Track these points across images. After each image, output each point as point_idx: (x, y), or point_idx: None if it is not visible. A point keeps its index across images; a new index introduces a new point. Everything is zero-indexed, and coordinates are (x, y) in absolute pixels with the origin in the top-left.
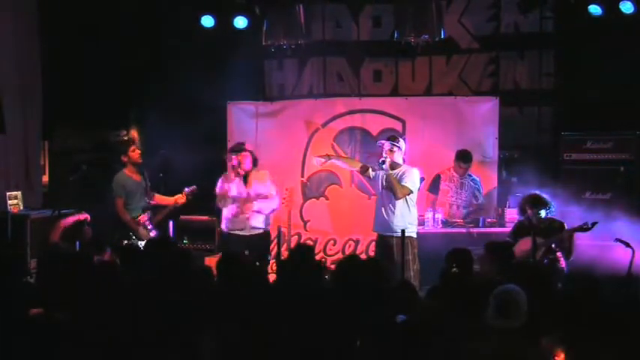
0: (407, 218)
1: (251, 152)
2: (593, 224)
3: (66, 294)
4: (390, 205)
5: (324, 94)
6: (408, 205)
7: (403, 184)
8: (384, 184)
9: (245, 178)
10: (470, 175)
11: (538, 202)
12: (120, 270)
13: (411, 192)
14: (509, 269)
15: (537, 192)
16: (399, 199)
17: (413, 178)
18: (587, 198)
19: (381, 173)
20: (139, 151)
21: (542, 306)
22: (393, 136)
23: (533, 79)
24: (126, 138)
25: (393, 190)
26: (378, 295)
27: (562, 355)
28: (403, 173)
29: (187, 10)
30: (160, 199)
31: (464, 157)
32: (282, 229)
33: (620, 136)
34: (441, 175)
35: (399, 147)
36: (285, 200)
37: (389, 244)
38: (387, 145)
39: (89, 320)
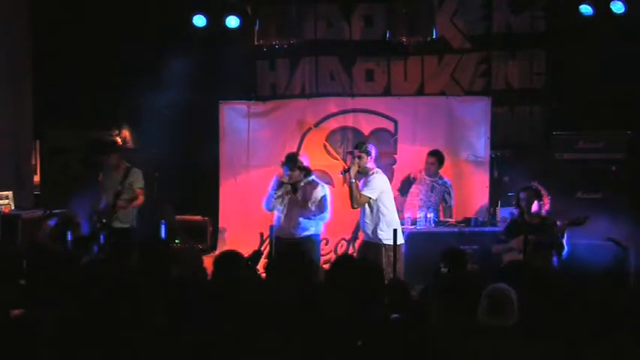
0: (379, 223)
1: (299, 167)
2: (585, 218)
3: (53, 293)
4: (362, 210)
5: (316, 93)
6: (378, 211)
7: (363, 192)
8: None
9: (294, 187)
10: (441, 178)
11: (542, 194)
12: (109, 268)
13: (370, 199)
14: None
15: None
16: (355, 208)
17: (373, 185)
18: (578, 197)
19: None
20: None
21: (536, 304)
22: (360, 143)
23: (524, 78)
24: (118, 138)
25: (351, 199)
26: (374, 294)
27: None
28: (368, 180)
29: (179, 10)
30: None
31: (437, 155)
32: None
33: (611, 136)
34: (410, 176)
35: (367, 153)
36: None
37: (366, 248)
38: (355, 152)
39: (75, 320)
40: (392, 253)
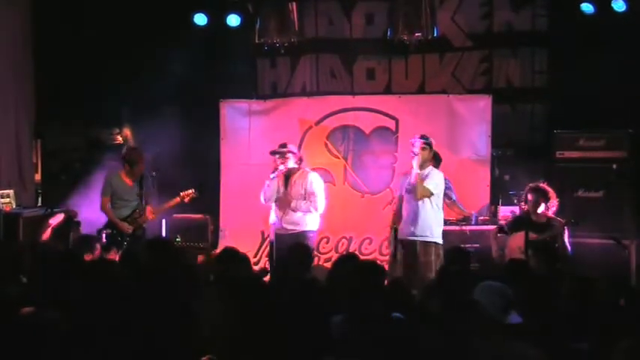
0: (433, 222)
1: (293, 152)
2: (575, 219)
3: (57, 293)
4: (416, 209)
5: (317, 92)
6: (434, 209)
7: (425, 185)
8: (408, 187)
9: (287, 178)
10: None
11: (549, 196)
12: (114, 268)
13: (432, 194)
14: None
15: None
16: (417, 200)
17: (435, 180)
18: (579, 196)
19: (406, 178)
20: (144, 167)
21: (536, 303)
22: (425, 135)
23: (526, 77)
24: (132, 146)
25: (414, 190)
26: (376, 293)
27: None
28: (428, 174)
29: (180, 8)
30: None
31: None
32: None
33: (612, 134)
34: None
35: (429, 145)
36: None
37: (413, 248)
38: (418, 142)
39: (80, 319)
40: (441, 252)
